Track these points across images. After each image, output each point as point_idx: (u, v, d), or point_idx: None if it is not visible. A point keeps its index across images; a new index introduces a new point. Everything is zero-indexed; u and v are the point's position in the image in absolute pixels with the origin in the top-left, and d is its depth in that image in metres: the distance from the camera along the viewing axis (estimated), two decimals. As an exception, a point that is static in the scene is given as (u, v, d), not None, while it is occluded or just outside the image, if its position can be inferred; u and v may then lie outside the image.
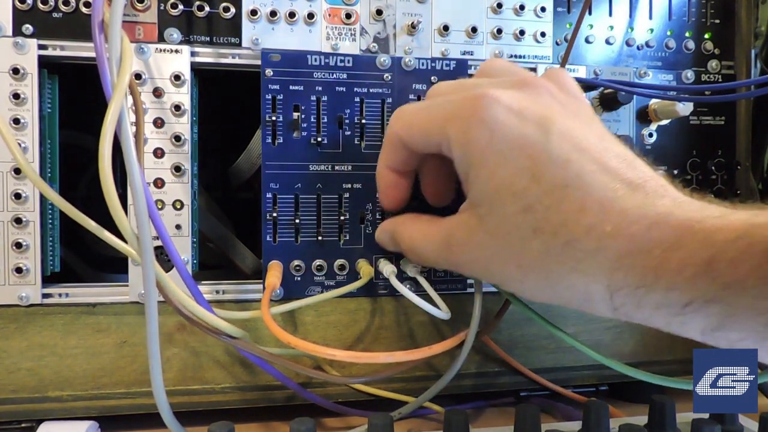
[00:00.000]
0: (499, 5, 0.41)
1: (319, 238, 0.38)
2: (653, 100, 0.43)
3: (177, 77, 0.37)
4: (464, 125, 0.29)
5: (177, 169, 0.37)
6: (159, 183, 0.37)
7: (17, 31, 0.35)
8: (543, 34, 0.42)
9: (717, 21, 0.46)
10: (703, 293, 0.22)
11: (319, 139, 0.38)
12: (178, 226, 0.37)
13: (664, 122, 0.44)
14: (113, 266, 0.46)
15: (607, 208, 0.25)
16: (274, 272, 0.37)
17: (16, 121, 0.35)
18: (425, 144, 0.31)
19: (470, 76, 0.40)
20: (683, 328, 0.24)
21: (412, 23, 0.40)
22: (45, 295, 0.36)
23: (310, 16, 0.38)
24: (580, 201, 0.25)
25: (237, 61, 0.38)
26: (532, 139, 0.27)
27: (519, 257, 0.28)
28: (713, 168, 0.45)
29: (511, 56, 0.42)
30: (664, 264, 0.23)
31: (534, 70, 0.42)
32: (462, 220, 0.30)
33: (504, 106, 0.28)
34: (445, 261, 0.32)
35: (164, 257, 0.35)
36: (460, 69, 0.40)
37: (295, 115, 0.38)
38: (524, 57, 0.42)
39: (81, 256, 0.47)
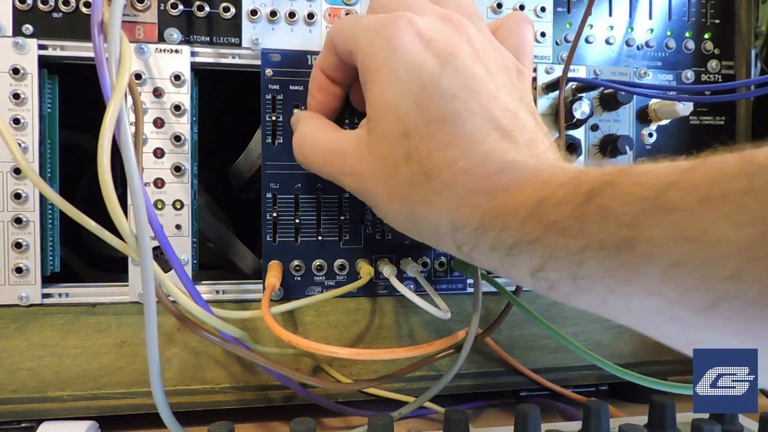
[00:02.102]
0: (499, 5, 0.41)
1: (319, 238, 0.38)
2: (653, 100, 0.43)
3: (177, 77, 0.37)
4: (372, 38, 0.29)
5: (177, 169, 0.37)
6: (159, 183, 0.37)
7: (17, 31, 0.35)
8: (543, 34, 0.42)
9: (717, 21, 0.46)
10: (528, 234, 0.23)
11: (319, 139, 0.38)
12: (178, 226, 0.37)
13: (664, 122, 0.44)
14: (113, 266, 0.46)
15: (471, 149, 0.26)
16: (274, 272, 0.37)
17: (16, 121, 0.35)
18: (343, 49, 0.31)
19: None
20: (513, 270, 0.25)
21: (412, 23, 0.39)
22: (45, 295, 0.36)
23: (310, 16, 0.38)
24: (451, 136, 0.26)
25: (237, 61, 0.38)
26: (428, 68, 0.27)
27: (390, 181, 0.28)
28: (713, 168, 0.45)
29: (511, 56, 0.42)
30: (503, 206, 0.24)
31: (534, 70, 0.42)
32: (356, 134, 0.31)
33: (415, 31, 0.28)
34: (328, 168, 0.32)
35: (163, 257, 0.35)
36: (460, 69, 0.40)
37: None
38: (524, 57, 0.42)
39: (81, 256, 0.47)
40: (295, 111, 0.37)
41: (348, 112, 0.37)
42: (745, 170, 0.17)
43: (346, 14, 0.39)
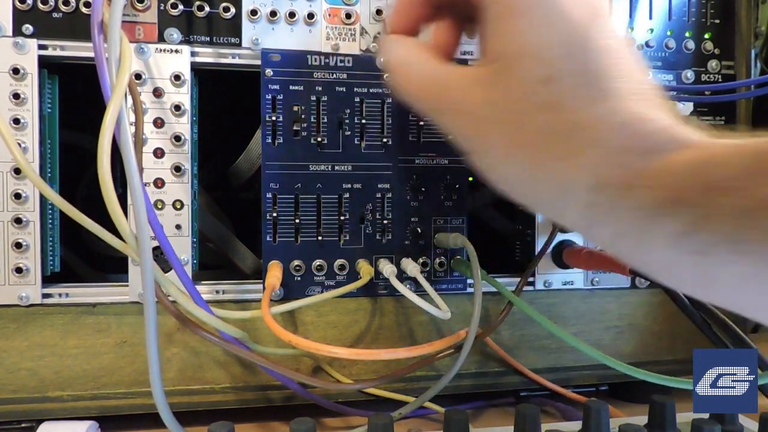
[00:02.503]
0: (499, 5, 0.41)
1: (319, 238, 0.38)
2: (653, 100, 0.43)
3: (177, 77, 0.37)
4: None
5: (177, 169, 0.37)
6: (159, 183, 0.37)
7: (17, 31, 0.35)
8: (543, 34, 0.42)
9: (717, 21, 0.46)
10: (683, 193, 0.22)
11: (319, 139, 0.38)
12: (178, 226, 0.37)
13: (664, 122, 0.44)
14: (113, 266, 0.46)
15: (627, 107, 0.24)
16: (274, 272, 0.37)
17: (16, 121, 0.35)
18: None
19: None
20: (648, 233, 0.23)
21: (412, 23, 0.39)
22: (45, 295, 0.36)
23: (310, 16, 0.38)
24: (603, 92, 0.24)
25: (237, 61, 0.38)
26: (578, 17, 0.25)
27: (517, 128, 0.26)
28: (713, 168, 0.45)
29: (511, 56, 0.42)
30: (657, 166, 0.23)
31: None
32: (470, 71, 0.28)
33: None
34: (430, 100, 0.29)
35: (163, 257, 0.35)
36: (460, 69, 0.40)
37: (295, 109, 0.38)
38: (524, 57, 0.42)
39: (81, 256, 0.47)
40: (386, 40, 0.31)
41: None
42: None
43: (347, 15, 0.39)
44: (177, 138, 0.37)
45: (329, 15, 0.39)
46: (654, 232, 0.23)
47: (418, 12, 0.31)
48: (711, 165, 0.22)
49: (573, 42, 0.25)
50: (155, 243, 0.32)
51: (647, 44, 0.44)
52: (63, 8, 0.36)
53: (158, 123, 0.37)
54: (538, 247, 0.42)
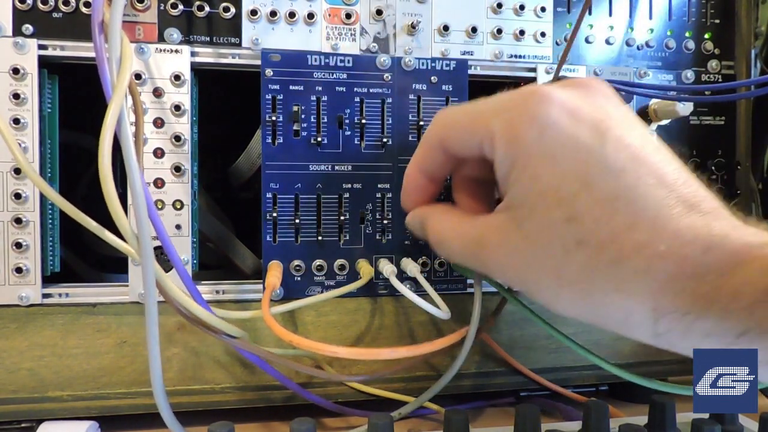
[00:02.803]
0: (499, 5, 0.41)
1: (319, 238, 0.38)
2: (653, 100, 0.43)
3: (177, 77, 0.37)
4: (512, 120, 0.26)
5: (177, 169, 0.37)
6: (159, 183, 0.37)
7: (17, 31, 0.35)
8: (543, 34, 0.42)
9: (717, 21, 0.46)
10: (760, 322, 0.21)
11: (319, 139, 0.38)
12: (178, 226, 0.37)
13: (664, 122, 0.44)
14: (113, 266, 0.46)
15: (659, 227, 0.23)
16: (274, 272, 0.37)
17: (16, 121, 0.35)
18: (467, 142, 0.29)
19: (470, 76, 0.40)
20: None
21: (412, 23, 0.40)
22: (45, 295, 0.36)
23: (310, 16, 0.38)
24: (632, 216, 0.24)
25: (237, 61, 0.38)
26: (587, 142, 0.25)
27: (557, 269, 0.25)
28: (713, 168, 0.45)
29: (511, 56, 0.42)
30: (719, 290, 0.22)
31: (533, 70, 0.42)
32: (498, 222, 0.28)
33: (558, 104, 0.26)
34: (475, 261, 0.30)
35: (164, 257, 0.35)
36: (460, 69, 0.40)
37: (295, 109, 0.38)
38: (524, 57, 0.42)
39: (81, 256, 0.47)
40: (414, 212, 0.34)
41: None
42: None
43: (347, 15, 0.39)
44: (177, 138, 0.37)
45: (329, 15, 0.39)
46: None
47: (430, 192, 0.33)
48: None
49: (588, 172, 0.25)
50: (156, 243, 0.32)
51: (647, 44, 0.44)
52: (63, 8, 0.36)
53: (158, 123, 0.37)
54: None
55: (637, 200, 0.24)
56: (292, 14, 0.38)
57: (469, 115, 0.29)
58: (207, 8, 0.37)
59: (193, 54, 0.37)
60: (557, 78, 0.40)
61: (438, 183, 0.33)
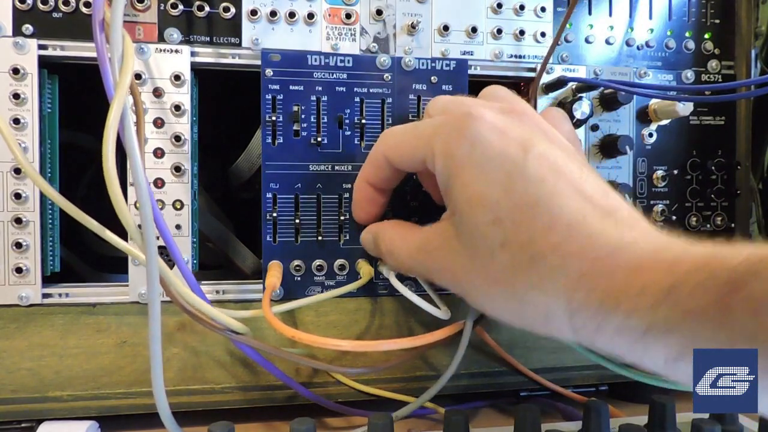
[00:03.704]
0: (499, 5, 0.41)
1: (319, 238, 0.38)
2: (653, 100, 0.43)
3: (177, 77, 0.37)
4: (448, 139, 0.29)
5: (177, 169, 0.37)
6: (159, 183, 0.37)
7: (17, 31, 0.35)
8: (543, 34, 0.42)
9: (717, 21, 0.46)
10: (663, 320, 0.22)
11: (319, 139, 0.38)
12: (178, 226, 0.37)
13: (664, 122, 0.44)
14: (113, 266, 0.46)
15: (574, 230, 0.25)
16: (274, 272, 0.37)
17: (16, 121, 0.35)
18: (411, 160, 0.32)
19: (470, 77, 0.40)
20: (645, 355, 0.24)
21: (412, 23, 0.40)
22: (45, 295, 0.36)
23: (310, 16, 0.38)
24: (549, 219, 0.26)
25: (237, 61, 0.38)
26: (511, 155, 0.27)
27: (486, 269, 0.28)
28: (713, 168, 0.45)
29: (511, 56, 0.42)
30: (626, 288, 0.23)
31: (533, 70, 0.42)
32: (439, 228, 0.31)
33: (488, 124, 0.29)
34: (419, 266, 0.33)
35: (166, 257, 0.35)
36: (460, 69, 0.40)
37: (295, 109, 0.38)
38: (524, 57, 0.42)
39: (81, 256, 0.47)
40: (367, 229, 0.37)
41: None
42: None
43: (347, 15, 0.39)
44: (177, 138, 0.37)
45: (329, 15, 0.39)
46: (648, 354, 0.23)
47: (379, 203, 0.37)
48: (684, 291, 0.22)
49: (511, 180, 0.27)
50: (159, 242, 0.32)
51: (647, 44, 0.44)
52: (63, 8, 0.36)
53: (158, 123, 0.37)
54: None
55: (554, 207, 0.26)
56: (292, 14, 0.38)
57: (412, 135, 0.32)
58: (207, 8, 0.37)
59: (193, 54, 0.37)
60: (543, 71, 0.40)
61: (385, 193, 0.36)
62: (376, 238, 0.36)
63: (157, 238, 0.30)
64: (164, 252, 0.33)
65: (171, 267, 0.33)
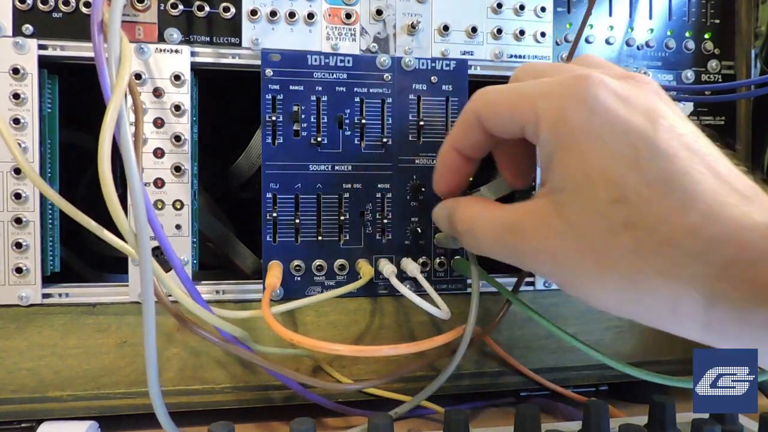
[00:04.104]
0: (499, 5, 0.41)
1: (319, 238, 0.38)
2: (653, 100, 0.43)
3: (177, 77, 0.37)
4: (561, 102, 0.26)
5: (177, 169, 0.37)
6: (159, 183, 0.37)
7: (17, 31, 0.35)
8: (543, 34, 0.42)
9: (717, 21, 0.46)
10: None
11: (319, 139, 0.38)
12: (178, 226, 0.37)
13: (664, 122, 0.44)
14: (113, 266, 0.46)
15: (715, 212, 0.22)
16: (274, 272, 0.37)
17: (16, 121, 0.35)
18: (508, 122, 0.28)
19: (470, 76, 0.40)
20: None
21: (412, 23, 0.40)
22: (45, 295, 0.36)
23: (310, 16, 0.38)
24: (685, 199, 0.23)
25: (237, 61, 0.38)
26: (639, 127, 0.24)
27: (601, 252, 0.25)
28: (713, 168, 0.45)
29: (511, 56, 0.42)
30: None
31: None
32: (535, 206, 0.27)
33: (610, 90, 0.25)
34: (507, 248, 0.28)
35: (163, 257, 0.35)
36: (460, 69, 0.40)
37: (295, 109, 0.38)
38: (524, 57, 0.42)
39: (81, 256, 0.47)
40: (441, 204, 0.33)
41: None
42: None
43: (347, 15, 0.39)
44: (177, 138, 0.37)
45: (329, 15, 0.39)
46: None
47: (464, 173, 0.32)
48: None
49: (639, 154, 0.24)
50: (155, 243, 0.32)
51: (647, 44, 0.44)
52: (63, 8, 0.36)
53: (158, 123, 0.37)
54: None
55: (691, 185, 0.23)
56: (292, 14, 0.38)
57: (513, 95, 0.28)
58: (207, 8, 0.37)
59: (193, 54, 0.37)
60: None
61: (473, 163, 0.32)
62: (451, 216, 0.32)
63: (153, 238, 0.30)
64: (162, 253, 0.33)
65: (170, 268, 0.33)
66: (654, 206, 0.23)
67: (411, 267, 0.38)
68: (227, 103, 0.47)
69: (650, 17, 0.44)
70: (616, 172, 0.24)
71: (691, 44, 0.45)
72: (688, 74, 0.45)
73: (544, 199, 0.27)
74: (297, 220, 0.38)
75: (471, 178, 0.34)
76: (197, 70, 0.38)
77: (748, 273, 0.22)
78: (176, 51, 0.37)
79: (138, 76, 0.36)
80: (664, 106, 0.26)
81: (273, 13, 0.38)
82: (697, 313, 0.23)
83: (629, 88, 0.26)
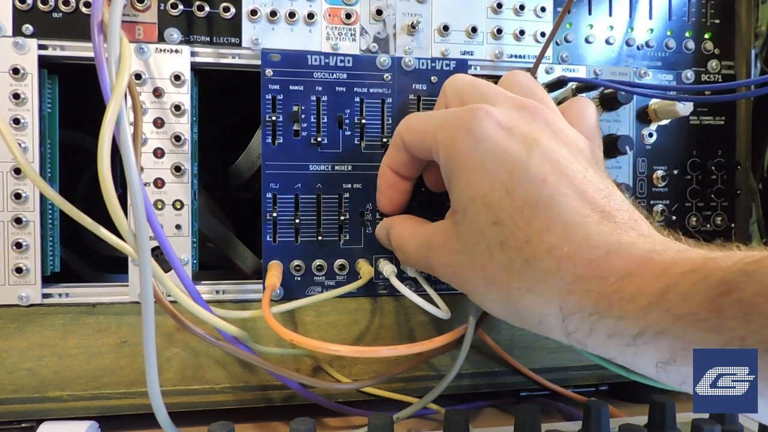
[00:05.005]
0: (499, 5, 0.41)
1: (319, 238, 0.38)
2: (653, 100, 0.43)
3: (177, 77, 0.37)
4: (453, 133, 0.29)
5: (177, 169, 0.37)
6: (159, 183, 0.37)
7: (17, 31, 0.35)
8: (543, 34, 0.42)
9: (717, 21, 0.46)
10: (654, 324, 0.22)
11: (319, 139, 0.38)
12: (178, 226, 0.37)
13: (664, 122, 0.44)
14: (113, 266, 0.46)
15: (571, 232, 0.25)
16: (274, 272, 0.37)
17: (16, 121, 0.35)
18: (419, 147, 0.32)
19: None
20: (636, 359, 0.24)
21: (412, 23, 0.40)
22: (45, 295, 0.36)
23: (310, 16, 0.38)
24: (547, 221, 0.26)
25: (237, 61, 0.38)
26: (514, 155, 0.27)
27: (485, 268, 0.28)
28: (713, 168, 0.45)
29: (511, 56, 0.42)
30: (619, 292, 0.23)
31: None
32: (443, 225, 0.31)
33: (495, 121, 0.28)
34: (424, 262, 0.33)
35: (163, 257, 0.35)
36: (460, 69, 0.40)
37: (295, 109, 0.38)
38: (524, 57, 0.42)
39: (81, 256, 0.47)
40: (381, 223, 0.38)
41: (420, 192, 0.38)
42: None
43: (347, 15, 0.39)
44: (177, 138, 0.37)
45: (329, 15, 0.39)
46: (639, 357, 0.23)
47: (401, 190, 0.36)
48: (676, 294, 0.21)
49: (513, 180, 0.27)
50: (155, 243, 0.32)
51: (647, 44, 0.44)
52: (63, 8, 0.36)
53: (158, 123, 0.37)
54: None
55: (554, 208, 0.26)
56: (292, 14, 0.38)
57: (423, 123, 0.32)
58: (207, 8, 0.37)
59: (193, 54, 0.37)
60: (536, 69, 0.40)
61: (408, 181, 0.36)
62: (388, 233, 0.36)
63: (153, 238, 0.30)
64: (162, 253, 0.33)
65: (170, 269, 0.33)
66: (522, 228, 0.26)
67: (409, 267, 0.38)
68: (227, 103, 0.47)
69: (650, 17, 0.44)
70: (494, 196, 0.27)
71: (691, 44, 0.45)
72: (688, 74, 0.45)
73: (448, 220, 0.31)
74: (297, 220, 0.38)
75: (409, 195, 0.37)
76: (197, 70, 0.38)
77: (592, 287, 0.24)
78: (176, 51, 0.37)
79: (138, 76, 0.36)
80: (547, 133, 0.29)
81: (273, 13, 0.38)
82: (558, 324, 0.26)
83: (517, 117, 0.29)
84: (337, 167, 0.39)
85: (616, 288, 0.23)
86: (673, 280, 0.22)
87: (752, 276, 0.20)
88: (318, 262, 0.39)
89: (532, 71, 0.40)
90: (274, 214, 0.38)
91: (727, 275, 0.20)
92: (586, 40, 0.43)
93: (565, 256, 0.25)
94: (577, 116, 0.32)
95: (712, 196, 0.45)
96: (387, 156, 0.36)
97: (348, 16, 0.39)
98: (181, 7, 0.37)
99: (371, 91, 0.39)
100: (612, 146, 0.42)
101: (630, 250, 0.24)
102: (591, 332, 0.24)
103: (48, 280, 0.37)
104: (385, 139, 0.39)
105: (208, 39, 0.38)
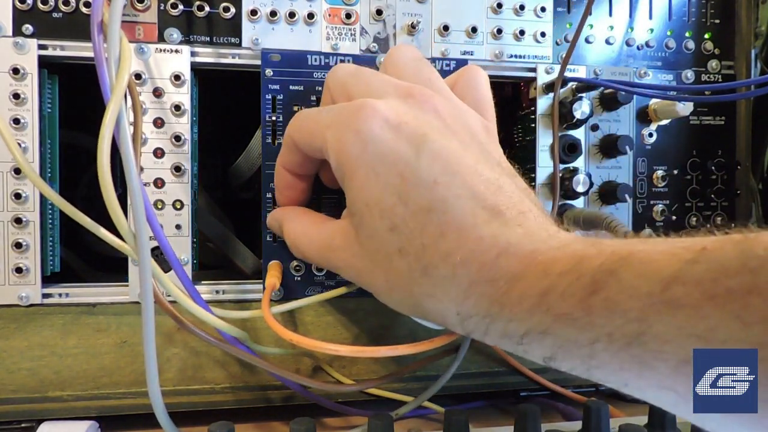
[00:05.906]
0: (499, 5, 0.41)
1: (319, 238, 0.38)
2: (653, 100, 0.43)
3: (177, 77, 0.37)
4: (340, 134, 0.28)
5: (177, 169, 0.37)
6: (159, 183, 0.37)
7: (17, 31, 0.35)
8: (543, 34, 0.42)
9: (717, 21, 0.46)
10: (537, 325, 0.22)
11: (319, 139, 0.38)
12: (178, 226, 0.37)
13: (664, 122, 0.44)
14: (113, 266, 0.46)
15: (464, 235, 0.25)
16: (274, 272, 0.37)
17: (16, 121, 0.35)
18: (310, 147, 0.31)
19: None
20: (526, 355, 0.24)
21: (412, 23, 0.40)
22: (45, 295, 0.36)
23: (310, 16, 0.38)
24: (441, 226, 0.25)
25: (237, 61, 0.38)
26: (404, 157, 0.26)
27: (386, 273, 0.28)
28: (713, 168, 0.45)
29: (511, 56, 0.42)
30: (507, 295, 0.24)
31: (533, 70, 0.42)
32: (342, 226, 0.30)
33: (382, 119, 0.27)
34: (326, 263, 0.32)
35: (163, 257, 0.35)
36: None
37: (295, 109, 0.38)
38: (524, 57, 0.42)
39: (81, 256, 0.47)
40: (272, 214, 0.36)
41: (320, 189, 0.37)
42: (748, 266, 0.17)
43: (347, 15, 0.39)
44: (177, 138, 0.37)
45: (329, 15, 0.39)
46: (529, 354, 0.24)
47: (299, 188, 0.35)
48: (555, 295, 0.22)
49: (404, 184, 0.26)
50: (154, 243, 0.32)
51: (647, 44, 0.44)
52: (63, 8, 0.36)
53: (158, 123, 0.37)
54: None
55: (447, 211, 0.25)
56: (292, 14, 0.38)
57: (311, 123, 0.31)
58: (207, 8, 0.37)
59: (193, 54, 0.37)
60: (561, 78, 0.40)
61: (305, 179, 0.35)
62: (281, 227, 0.35)
63: (152, 238, 0.30)
64: (161, 253, 0.33)
65: (169, 269, 0.33)
66: (417, 235, 0.26)
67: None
68: (227, 103, 0.47)
69: (650, 17, 0.44)
70: (388, 202, 0.27)
71: (691, 44, 0.45)
72: (688, 74, 0.45)
73: (346, 220, 0.30)
74: (297, 220, 0.38)
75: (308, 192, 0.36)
76: (197, 70, 0.38)
77: (485, 291, 0.24)
78: (176, 51, 0.37)
79: (138, 76, 0.36)
80: (436, 124, 0.28)
81: (273, 13, 0.38)
82: (459, 324, 0.26)
83: (405, 111, 0.28)
84: (337, 167, 0.38)
85: (505, 291, 0.24)
86: (552, 281, 0.22)
87: (616, 274, 0.20)
88: (318, 262, 0.38)
89: (558, 77, 0.40)
90: (274, 214, 0.38)
91: (597, 275, 0.21)
92: (586, 40, 0.43)
93: (459, 263, 0.25)
94: (467, 87, 0.32)
95: (712, 196, 0.45)
96: (281, 156, 0.34)
97: (348, 16, 0.39)
98: (181, 7, 0.37)
99: (371, 91, 0.39)
100: (612, 146, 0.42)
101: (516, 251, 0.24)
102: (486, 332, 0.25)
103: (48, 280, 0.37)
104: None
105: (208, 39, 0.38)
